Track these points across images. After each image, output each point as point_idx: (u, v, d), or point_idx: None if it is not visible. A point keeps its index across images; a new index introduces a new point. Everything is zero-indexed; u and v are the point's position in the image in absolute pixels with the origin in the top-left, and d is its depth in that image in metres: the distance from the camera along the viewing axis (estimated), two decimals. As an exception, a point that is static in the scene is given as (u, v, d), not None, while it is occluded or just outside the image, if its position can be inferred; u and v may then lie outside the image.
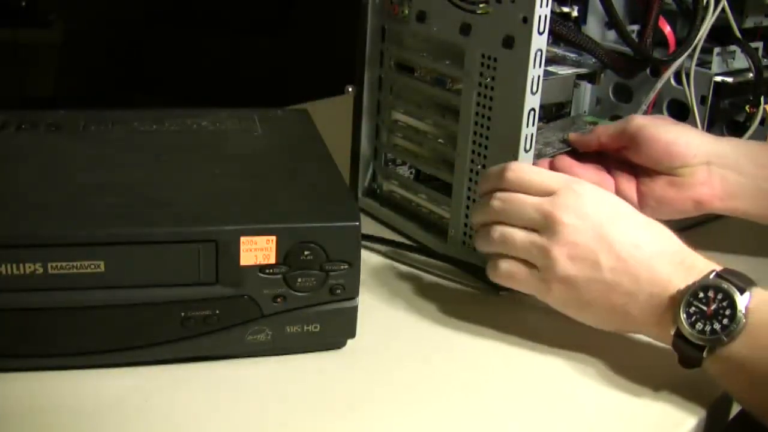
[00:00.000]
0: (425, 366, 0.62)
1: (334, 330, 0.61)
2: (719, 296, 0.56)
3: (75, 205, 0.58)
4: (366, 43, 0.81)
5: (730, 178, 0.72)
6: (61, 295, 0.56)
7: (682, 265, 0.59)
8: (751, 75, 0.83)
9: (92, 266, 0.56)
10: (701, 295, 0.57)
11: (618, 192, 0.73)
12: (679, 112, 0.84)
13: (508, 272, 0.64)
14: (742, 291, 0.56)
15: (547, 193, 0.62)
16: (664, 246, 0.61)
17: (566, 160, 0.74)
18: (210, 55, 2.27)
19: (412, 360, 0.63)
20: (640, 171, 0.74)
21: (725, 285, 0.56)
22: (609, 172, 0.75)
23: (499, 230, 0.64)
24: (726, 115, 0.84)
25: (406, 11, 0.76)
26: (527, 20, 0.64)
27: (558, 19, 0.72)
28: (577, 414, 0.59)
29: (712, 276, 0.58)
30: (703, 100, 0.81)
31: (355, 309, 0.61)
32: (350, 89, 0.82)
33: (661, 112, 0.85)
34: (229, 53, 2.27)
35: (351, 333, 0.62)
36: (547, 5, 0.64)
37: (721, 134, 0.85)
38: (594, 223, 0.60)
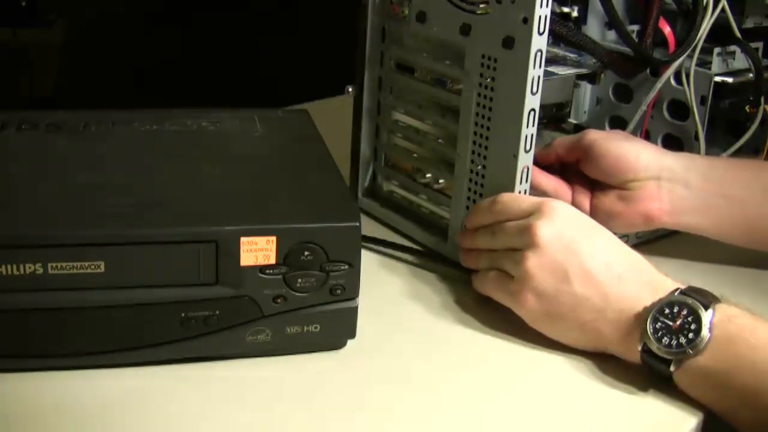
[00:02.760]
0: (425, 366, 0.62)
1: (335, 330, 0.61)
2: (684, 312, 0.59)
3: (75, 206, 0.58)
4: (366, 43, 0.81)
5: (678, 192, 0.73)
6: (61, 296, 0.56)
7: (649, 284, 0.62)
8: (751, 75, 0.83)
9: (92, 267, 0.56)
10: (667, 311, 0.59)
11: (573, 204, 0.75)
12: (679, 112, 0.84)
13: (486, 281, 0.67)
14: (706, 307, 0.58)
15: (529, 214, 0.65)
16: (633, 266, 0.63)
17: None
18: (210, 55, 2.27)
19: (412, 360, 0.63)
20: (596, 185, 0.75)
21: (690, 301, 0.59)
22: (568, 183, 0.76)
23: (485, 254, 0.68)
24: (726, 115, 0.84)
25: (406, 11, 0.76)
26: (527, 21, 0.64)
27: (558, 19, 0.72)
28: (577, 414, 0.59)
29: (677, 293, 0.60)
30: (703, 101, 0.81)
31: (355, 309, 0.61)
32: (350, 89, 0.82)
33: (661, 112, 0.85)
34: (230, 53, 2.27)
35: (351, 333, 0.62)
36: (547, 5, 0.64)
37: (722, 135, 0.85)
38: (567, 238, 0.63)
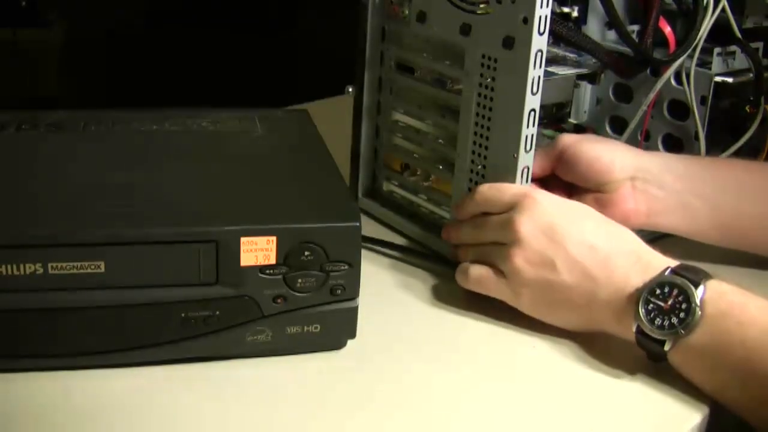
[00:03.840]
0: (426, 366, 0.62)
1: (335, 330, 0.61)
2: (675, 292, 0.59)
3: (75, 206, 0.58)
4: (366, 43, 0.80)
5: (653, 193, 0.73)
6: (62, 296, 0.56)
7: (638, 263, 0.62)
8: (751, 75, 0.83)
9: (92, 266, 0.56)
10: (658, 291, 0.60)
11: None
12: (680, 112, 0.84)
13: (478, 278, 0.67)
14: (696, 285, 0.59)
15: (510, 207, 0.66)
16: (620, 246, 0.63)
17: None
18: (210, 55, 2.27)
19: (413, 360, 0.63)
20: (572, 188, 0.75)
21: (679, 280, 0.59)
22: (544, 188, 0.75)
23: (472, 249, 0.69)
24: (726, 115, 0.84)
25: (406, 12, 0.76)
26: (527, 21, 0.64)
27: (558, 19, 0.72)
28: (579, 410, 0.59)
29: (667, 272, 0.61)
30: (703, 101, 0.81)
31: (355, 309, 0.61)
32: (350, 89, 0.82)
33: (661, 112, 0.85)
34: (229, 53, 2.27)
35: (351, 333, 0.62)
36: (547, 6, 0.64)
37: (722, 135, 0.85)
38: (550, 229, 0.64)
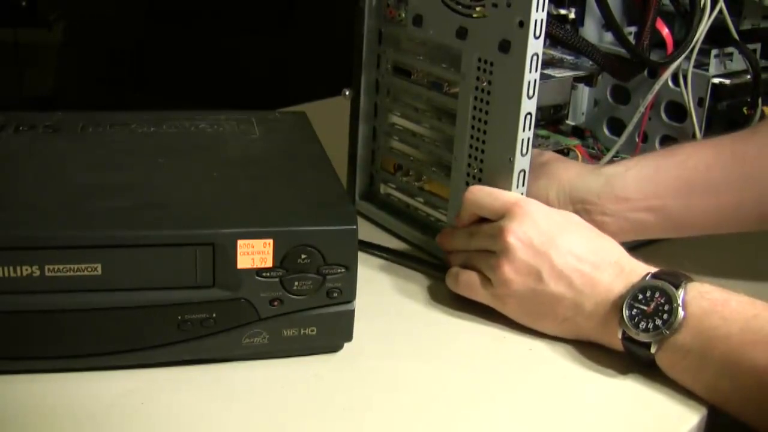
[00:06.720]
0: (422, 369, 0.62)
1: (331, 333, 0.62)
2: (657, 294, 0.60)
3: (72, 208, 0.59)
4: (363, 46, 0.81)
5: (600, 220, 0.71)
6: (58, 298, 0.56)
7: (621, 273, 0.63)
8: (748, 77, 0.83)
9: (89, 269, 0.56)
10: (640, 296, 0.61)
11: None
12: (677, 113, 0.84)
13: (467, 284, 0.68)
14: (677, 287, 0.60)
15: (501, 215, 0.66)
16: (605, 257, 0.64)
17: None
18: (209, 56, 2.27)
19: (409, 363, 0.63)
20: None
21: (660, 284, 0.61)
22: None
23: (462, 255, 0.70)
24: (723, 116, 0.84)
25: (403, 15, 0.76)
26: (523, 24, 0.64)
27: (555, 21, 0.72)
28: (576, 411, 0.59)
29: (648, 278, 0.62)
30: (700, 102, 0.82)
31: (351, 312, 0.61)
32: (347, 92, 0.82)
33: (659, 114, 0.85)
34: (228, 55, 2.27)
35: (348, 336, 0.62)
36: (543, 9, 0.64)
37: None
38: (537, 240, 0.64)
